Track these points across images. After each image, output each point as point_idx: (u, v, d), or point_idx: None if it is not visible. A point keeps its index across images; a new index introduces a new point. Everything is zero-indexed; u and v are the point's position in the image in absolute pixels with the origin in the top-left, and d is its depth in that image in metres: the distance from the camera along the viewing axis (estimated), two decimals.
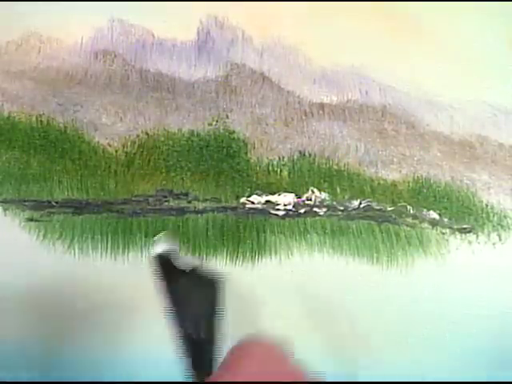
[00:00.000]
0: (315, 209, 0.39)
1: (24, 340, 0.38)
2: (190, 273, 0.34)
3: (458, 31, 0.40)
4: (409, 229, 0.39)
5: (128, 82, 0.40)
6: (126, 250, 0.39)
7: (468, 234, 0.38)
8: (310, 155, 0.39)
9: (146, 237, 0.39)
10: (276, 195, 0.39)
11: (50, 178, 0.39)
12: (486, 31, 0.41)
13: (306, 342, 0.35)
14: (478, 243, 0.38)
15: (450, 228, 0.39)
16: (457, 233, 0.38)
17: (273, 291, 0.37)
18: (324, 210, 0.39)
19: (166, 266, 0.34)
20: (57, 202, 0.39)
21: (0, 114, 0.40)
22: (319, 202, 0.39)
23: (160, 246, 0.35)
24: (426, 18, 0.40)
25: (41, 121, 0.40)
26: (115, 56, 0.40)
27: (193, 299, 0.34)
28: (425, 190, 0.39)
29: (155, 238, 0.36)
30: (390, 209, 0.39)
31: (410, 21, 0.40)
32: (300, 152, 0.39)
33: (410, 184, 0.39)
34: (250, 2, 0.40)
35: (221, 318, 0.33)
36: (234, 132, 0.39)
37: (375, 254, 0.38)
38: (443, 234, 0.39)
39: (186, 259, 0.35)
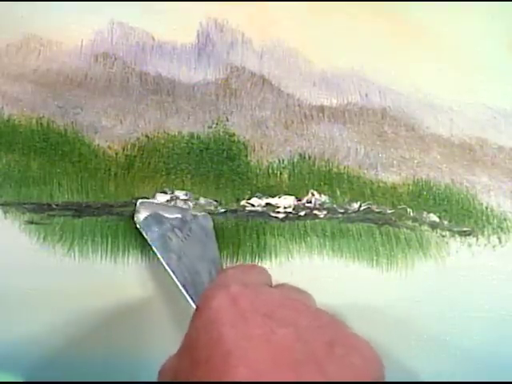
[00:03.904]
0: (315, 211, 0.39)
1: (24, 341, 0.38)
2: (179, 222, 0.36)
3: (459, 33, 0.40)
4: (409, 231, 0.39)
5: (128, 85, 0.40)
6: (127, 253, 0.39)
7: (468, 237, 0.38)
8: (309, 158, 0.39)
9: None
10: (276, 198, 0.39)
11: (50, 180, 0.39)
12: (486, 33, 0.41)
13: None
14: (478, 246, 0.38)
15: (450, 230, 0.39)
16: (457, 235, 0.39)
17: None
18: (324, 212, 0.39)
19: (153, 227, 0.36)
20: (57, 205, 0.39)
21: (0, 117, 0.40)
22: (319, 204, 0.39)
23: (141, 214, 0.36)
24: (426, 20, 0.40)
25: (41, 123, 0.40)
26: (115, 59, 0.40)
27: (190, 244, 0.35)
28: (425, 193, 0.39)
29: (136, 205, 0.38)
30: (389, 211, 0.39)
31: (410, 24, 0.40)
32: (300, 155, 0.39)
33: (410, 186, 0.39)
34: (250, 1, 0.40)
35: (218, 253, 0.36)
36: (233, 135, 0.40)
37: (375, 257, 0.38)
38: (443, 236, 0.39)
39: (170, 211, 0.37)
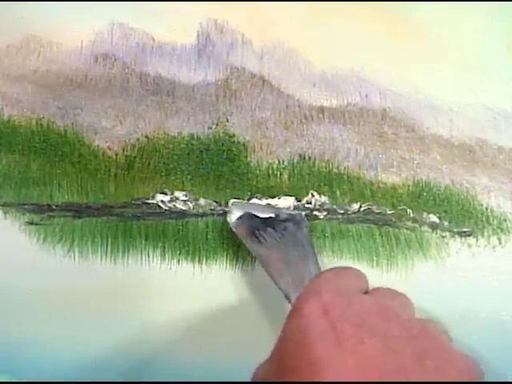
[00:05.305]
0: (315, 212, 0.39)
1: (23, 342, 0.39)
2: (273, 221, 0.36)
3: (459, 33, 0.40)
4: (409, 232, 0.39)
5: (128, 86, 0.40)
6: (126, 254, 0.39)
7: (468, 238, 0.38)
8: (309, 158, 0.39)
9: (146, 240, 0.39)
10: (276, 199, 0.39)
11: (49, 181, 0.39)
12: (486, 33, 0.40)
13: None
14: (478, 246, 0.38)
15: (450, 231, 0.39)
16: (457, 236, 0.38)
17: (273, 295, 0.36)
18: (324, 213, 0.39)
19: (247, 228, 0.35)
20: (57, 206, 0.39)
21: (0, 118, 0.40)
22: (319, 205, 0.39)
23: (234, 214, 0.36)
24: (426, 20, 0.40)
25: (41, 124, 0.40)
26: (115, 59, 0.40)
27: (285, 244, 0.35)
28: (425, 194, 0.39)
29: (229, 206, 0.37)
30: (389, 212, 0.39)
31: (410, 24, 0.40)
32: (300, 155, 0.39)
33: (410, 187, 0.39)
34: (250, 2, 0.40)
35: (314, 253, 0.35)
36: (233, 135, 0.40)
37: (375, 258, 0.38)
38: (443, 237, 0.39)
39: (263, 210, 0.36)
